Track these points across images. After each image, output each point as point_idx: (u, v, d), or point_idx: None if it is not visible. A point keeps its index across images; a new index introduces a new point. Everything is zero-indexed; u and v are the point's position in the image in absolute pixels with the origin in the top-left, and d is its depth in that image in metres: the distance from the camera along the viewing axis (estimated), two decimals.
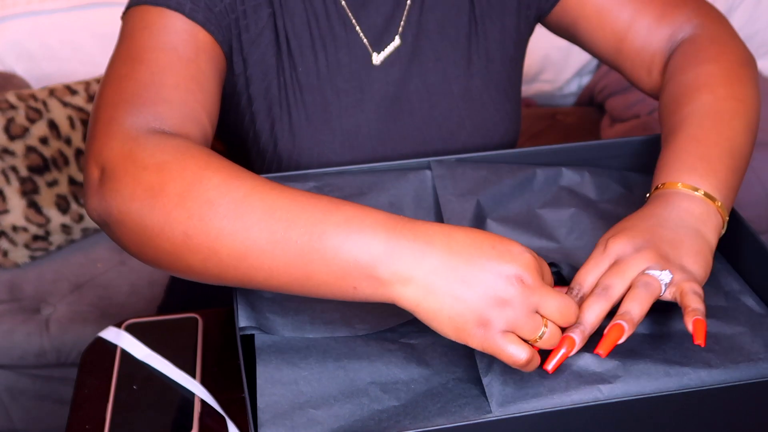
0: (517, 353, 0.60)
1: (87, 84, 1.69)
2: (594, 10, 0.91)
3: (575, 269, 0.73)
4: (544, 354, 0.64)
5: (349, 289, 0.61)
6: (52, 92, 1.64)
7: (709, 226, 0.70)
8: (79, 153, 1.62)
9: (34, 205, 1.57)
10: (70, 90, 1.66)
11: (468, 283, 0.59)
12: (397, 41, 0.92)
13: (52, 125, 1.60)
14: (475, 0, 0.93)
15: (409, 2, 0.91)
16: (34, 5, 1.83)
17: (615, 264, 0.67)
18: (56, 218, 1.59)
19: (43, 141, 1.59)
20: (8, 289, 1.56)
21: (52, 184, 1.59)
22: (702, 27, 0.87)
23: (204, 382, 0.81)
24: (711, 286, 0.74)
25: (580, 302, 0.66)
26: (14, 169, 1.56)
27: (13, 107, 1.59)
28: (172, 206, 0.64)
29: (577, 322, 0.64)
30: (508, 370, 0.65)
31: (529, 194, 0.84)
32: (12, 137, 1.57)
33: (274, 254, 0.62)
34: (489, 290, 0.59)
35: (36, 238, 1.58)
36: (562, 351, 0.63)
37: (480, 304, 0.59)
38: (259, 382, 0.66)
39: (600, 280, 0.66)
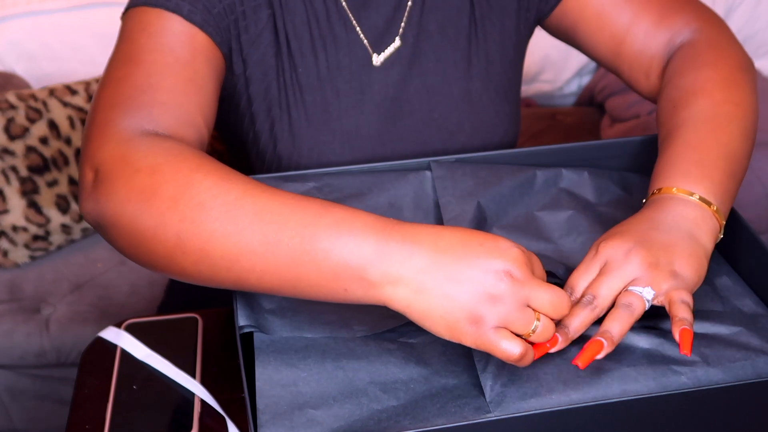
0: (510, 348, 0.60)
1: (87, 84, 1.69)
2: (593, 13, 0.91)
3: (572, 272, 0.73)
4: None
5: (340, 291, 0.62)
6: (52, 92, 1.64)
7: (704, 230, 0.70)
8: (79, 153, 1.62)
9: (34, 205, 1.57)
10: (70, 90, 1.66)
11: (457, 281, 0.59)
12: (397, 42, 0.92)
13: (52, 125, 1.60)
14: (475, 2, 0.93)
15: (410, 3, 0.92)
16: (34, 5, 1.83)
17: (604, 268, 0.67)
18: (56, 218, 1.59)
19: (43, 141, 1.59)
20: (8, 289, 1.56)
21: (52, 184, 1.59)
22: (700, 31, 0.87)
23: (204, 382, 0.81)
24: (710, 286, 0.75)
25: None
26: (14, 169, 1.56)
27: (13, 107, 1.59)
28: (164, 209, 0.64)
29: (562, 325, 0.65)
30: (505, 370, 0.65)
31: (529, 196, 0.84)
32: (12, 137, 1.57)
33: (266, 256, 0.62)
34: (479, 287, 0.59)
35: (36, 238, 1.58)
36: (546, 345, 0.64)
37: (471, 301, 0.59)
38: (258, 383, 0.66)
39: (588, 288, 0.67)
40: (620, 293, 0.66)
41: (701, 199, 0.71)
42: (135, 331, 0.87)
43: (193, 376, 0.81)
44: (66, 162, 1.61)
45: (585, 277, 0.68)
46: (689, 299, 0.65)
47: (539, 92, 2.10)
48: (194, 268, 0.65)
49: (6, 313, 1.51)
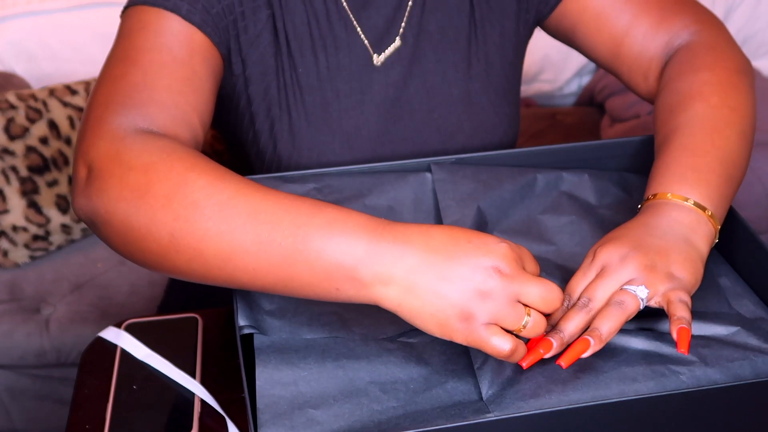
0: (501, 344, 0.60)
1: (87, 84, 1.69)
2: (593, 15, 0.91)
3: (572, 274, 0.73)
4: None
5: (332, 290, 0.62)
6: (52, 92, 1.64)
7: (699, 235, 0.70)
8: None
9: (34, 205, 1.57)
10: (70, 90, 1.66)
11: (447, 279, 0.60)
12: (397, 42, 0.92)
13: (52, 125, 1.60)
14: (475, 3, 0.93)
15: (410, 3, 0.92)
16: (34, 5, 1.83)
17: (600, 273, 0.68)
18: (56, 218, 1.59)
19: (43, 141, 1.59)
20: (8, 289, 1.56)
21: (52, 184, 1.59)
22: (699, 34, 0.87)
23: (204, 382, 0.81)
24: (708, 286, 0.75)
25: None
26: (14, 169, 1.56)
27: (13, 107, 1.59)
28: (158, 207, 0.65)
29: (557, 329, 0.65)
30: (504, 370, 0.65)
31: (530, 200, 0.84)
32: (12, 137, 1.57)
33: (259, 256, 0.63)
34: (468, 284, 0.60)
35: (36, 238, 1.58)
36: (540, 351, 0.64)
37: (460, 298, 0.60)
38: (258, 382, 0.66)
39: (584, 292, 0.67)
40: (613, 294, 0.66)
41: (696, 204, 0.71)
42: (135, 331, 0.87)
43: (193, 376, 0.81)
44: (66, 162, 1.61)
45: (582, 283, 0.68)
46: (687, 299, 0.65)
47: (539, 92, 2.10)
48: (187, 267, 0.65)
49: (6, 313, 1.51)
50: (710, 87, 0.80)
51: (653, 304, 0.66)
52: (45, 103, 1.62)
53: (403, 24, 0.92)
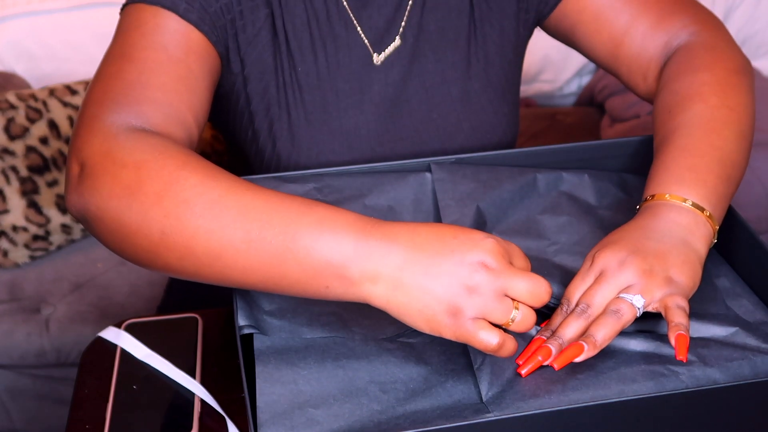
0: (488, 339, 0.60)
1: (87, 84, 1.69)
2: (592, 15, 0.91)
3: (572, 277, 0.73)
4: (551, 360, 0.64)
5: (321, 288, 0.63)
6: (52, 92, 1.64)
7: (698, 236, 0.70)
8: None
9: (34, 205, 1.57)
10: (70, 90, 1.66)
11: (433, 275, 0.60)
12: (397, 41, 0.92)
13: (52, 125, 1.60)
14: (474, 3, 0.93)
15: (410, 3, 0.92)
16: (34, 5, 1.83)
17: (598, 278, 0.68)
18: (56, 218, 1.59)
19: (43, 141, 1.59)
20: (8, 289, 1.56)
21: (52, 184, 1.59)
22: (698, 34, 0.87)
23: (204, 382, 0.81)
24: (708, 287, 0.75)
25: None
26: (14, 169, 1.56)
27: (13, 107, 1.59)
28: (149, 205, 0.65)
29: (556, 335, 0.66)
30: (504, 370, 0.65)
31: (530, 200, 0.84)
32: (12, 137, 1.57)
33: (249, 253, 0.63)
34: (454, 279, 0.60)
35: (36, 238, 1.58)
36: (538, 358, 0.64)
37: (447, 293, 0.60)
38: (258, 382, 0.66)
39: (582, 297, 0.68)
40: (610, 302, 0.67)
41: (694, 204, 0.71)
42: (135, 331, 0.87)
43: (193, 376, 0.81)
44: (66, 162, 1.61)
45: (581, 288, 0.69)
46: (685, 304, 0.66)
47: (539, 92, 2.10)
48: (178, 264, 0.66)
49: (6, 313, 1.51)
50: (709, 87, 0.80)
51: (651, 309, 0.66)
52: (45, 103, 1.62)
53: (403, 23, 0.92)
